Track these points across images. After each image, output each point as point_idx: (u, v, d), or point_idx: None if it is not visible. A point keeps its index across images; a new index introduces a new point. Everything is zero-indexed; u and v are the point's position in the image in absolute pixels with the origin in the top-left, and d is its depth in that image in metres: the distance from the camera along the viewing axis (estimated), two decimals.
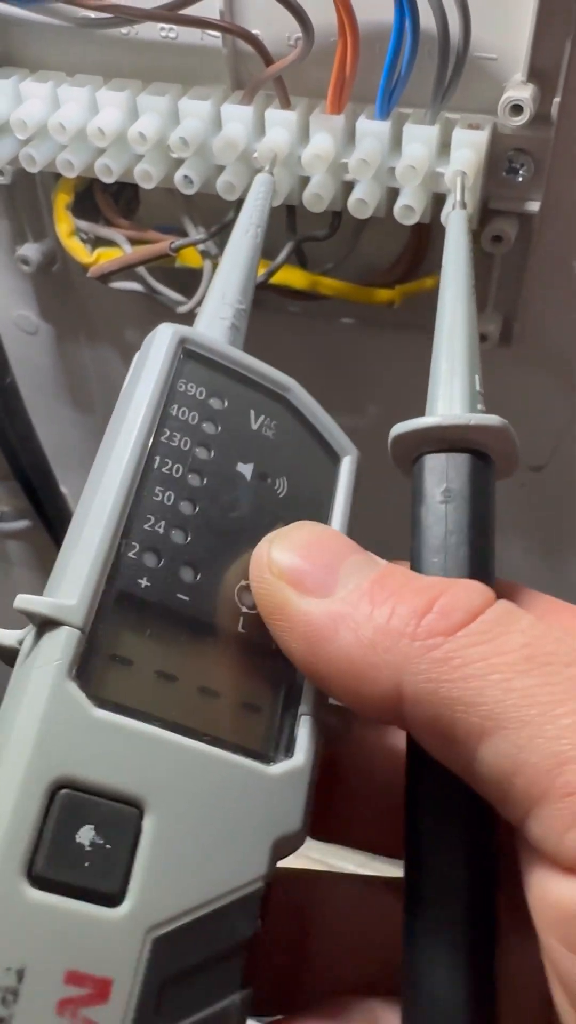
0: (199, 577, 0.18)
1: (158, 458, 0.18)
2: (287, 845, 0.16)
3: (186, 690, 0.17)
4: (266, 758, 0.17)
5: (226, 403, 0.20)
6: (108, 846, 0.15)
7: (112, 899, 0.14)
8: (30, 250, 0.40)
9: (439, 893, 0.16)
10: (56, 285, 0.43)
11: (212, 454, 0.19)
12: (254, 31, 0.30)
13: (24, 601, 0.16)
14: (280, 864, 0.16)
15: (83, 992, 0.14)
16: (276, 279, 0.34)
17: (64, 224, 0.36)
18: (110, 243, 0.36)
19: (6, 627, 0.58)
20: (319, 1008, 0.17)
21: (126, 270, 0.36)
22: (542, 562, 0.45)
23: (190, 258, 0.35)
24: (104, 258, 0.36)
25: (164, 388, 0.19)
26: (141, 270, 0.36)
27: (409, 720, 0.15)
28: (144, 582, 0.17)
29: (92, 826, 0.15)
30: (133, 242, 0.36)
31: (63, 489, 0.53)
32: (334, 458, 0.21)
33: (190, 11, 0.29)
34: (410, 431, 0.20)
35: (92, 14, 0.30)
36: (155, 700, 0.16)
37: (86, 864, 0.14)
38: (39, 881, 0.14)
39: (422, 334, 0.35)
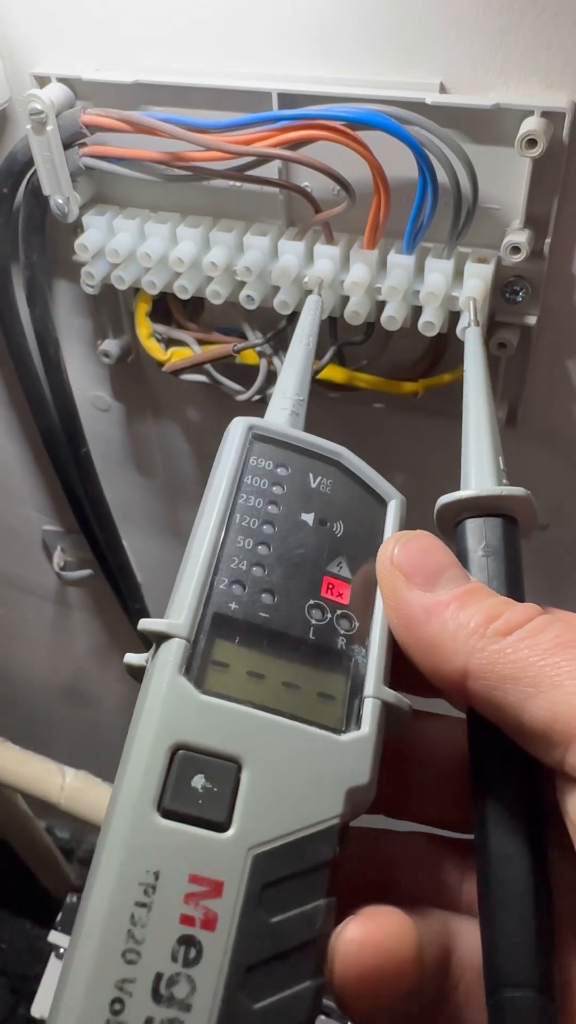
0: (276, 599, 0.23)
1: (238, 515, 0.23)
2: (360, 794, 0.21)
3: (272, 685, 0.21)
4: (338, 731, 0.21)
5: (289, 470, 0.25)
6: (215, 789, 0.20)
7: (220, 826, 0.19)
8: (110, 345, 0.48)
9: (501, 817, 0.21)
10: (129, 372, 0.50)
11: (280, 509, 0.24)
12: (304, 184, 0.37)
13: (145, 623, 0.22)
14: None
15: (203, 889, 0.19)
16: (321, 375, 0.41)
17: (144, 328, 0.43)
18: (180, 343, 0.44)
19: (64, 664, 0.65)
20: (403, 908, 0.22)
21: (195, 366, 0.43)
22: (548, 600, 0.51)
23: (249, 357, 0.42)
24: (177, 356, 0.43)
25: (239, 464, 0.24)
26: (207, 365, 0.43)
27: (471, 691, 0.20)
28: (233, 605, 0.22)
29: (203, 775, 0.20)
30: (200, 342, 0.43)
31: (124, 543, 0.60)
32: (382, 503, 0.26)
33: (254, 172, 0.36)
34: (454, 500, 0.25)
35: (176, 171, 0.37)
36: (248, 692, 0.21)
37: (199, 801, 0.20)
38: (167, 813, 0.19)
39: (440, 418, 0.43)
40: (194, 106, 0.37)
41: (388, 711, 0.22)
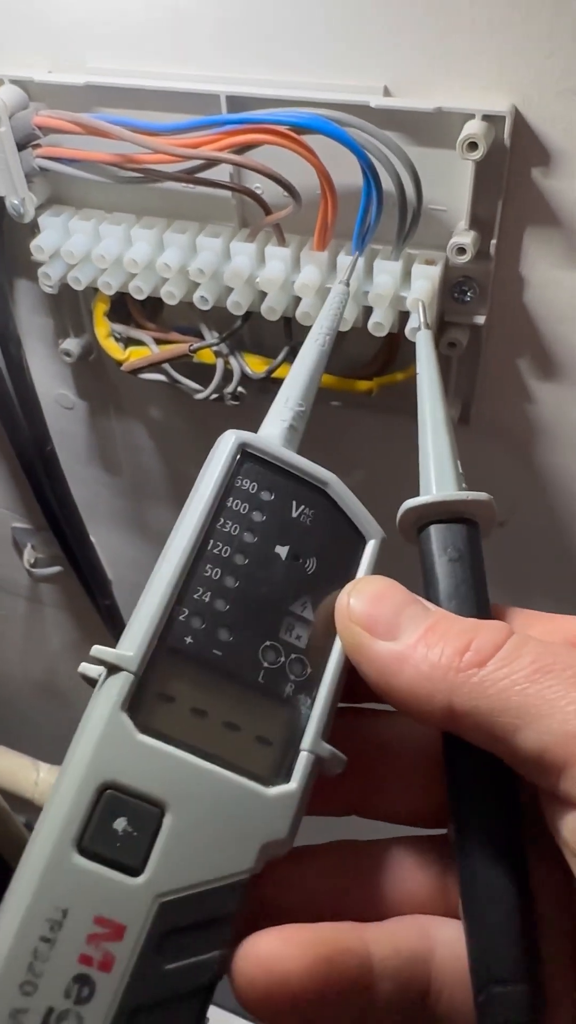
0: (233, 637, 0.22)
1: (212, 541, 0.23)
2: (274, 848, 0.21)
3: (213, 723, 0.21)
4: (267, 781, 0.21)
5: (273, 495, 0.24)
6: (135, 833, 0.20)
7: (134, 871, 0.20)
8: (71, 344, 0.48)
9: (483, 824, 0.22)
10: (91, 370, 0.50)
11: (256, 538, 0.23)
12: (255, 186, 0.38)
13: (96, 651, 0.21)
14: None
15: (105, 931, 0.19)
16: (277, 374, 0.41)
17: (102, 328, 0.44)
18: (139, 342, 0.44)
19: (38, 659, 0.65)
20: (379, 923, 0.22)
21: (153, 366, 0.43)
22: (508, 596, 0.52)
23: (206, 356, 0.42)
24: (135, 356, 0.44)
25: (223, 484, 0.23)
26: (165, 364, 0.44)
27: (461, 727, 0.20)
28: (189, 639, 0.22)
29: (125, 818, 0.20)
30: (158, 342, 0.44)
31: (92, 538, 0.61)
32: (361, 540, 0.25)
33: (206, 174, 0.37)
34: (418, 506, 0.24)
35: (129, 173, 0.38)
36: (188, 730, 0.21)
37: (118, 844, 0.20)
38: (84, 851, 0.20)
39: (394, 415, 0.43)
40: (145, 108, 0.37)
41: (321, 764, 0.22)
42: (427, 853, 0.24)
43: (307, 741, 0.22)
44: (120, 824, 0.20)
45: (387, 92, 0.34)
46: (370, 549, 0.25)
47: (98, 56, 0.38)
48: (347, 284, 0.30)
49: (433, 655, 0.21)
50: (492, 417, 0.43)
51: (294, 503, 0.24)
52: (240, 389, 0.43)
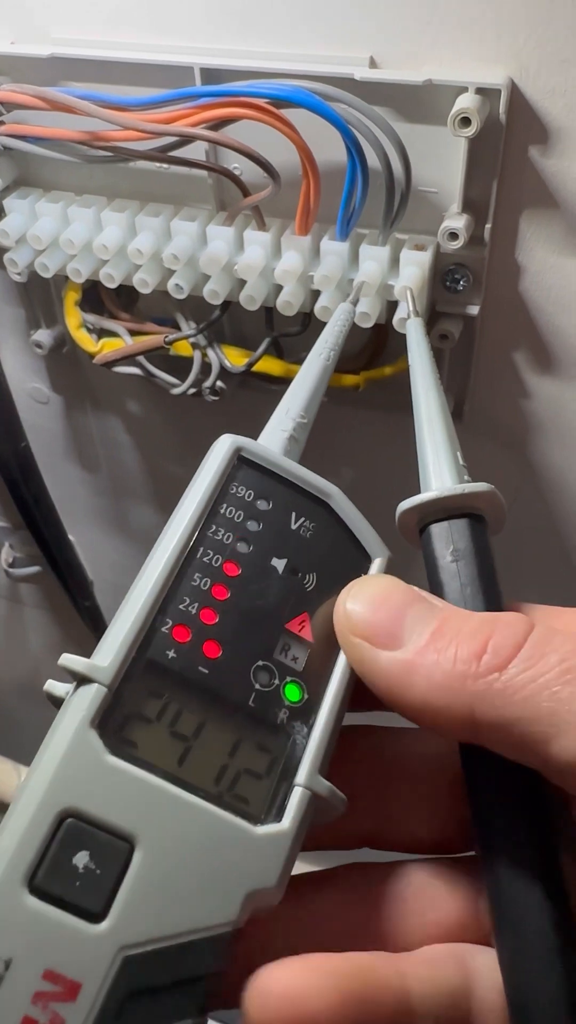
0: (221, 654, 0.20)
1: (201, 548, 0.21)
2: (261, 898, 0.18)
3: (195, 751, 0.19)
4: (255, 819, 0.19)
5: (271, 505, 0.22)
6: (98, 871, 0.17)
7: (94, 916, 0.17)
8: (43, 335, 0.45)
9: (512, 840, 0.20)
10: (65, 363, 0.48)
11: (251, 548, 0.21)
12: (233, 166, 0.35)
13: (66, 659, 0.19)
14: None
15: (56, 989, 0.16)
16: (257, 368, 0.39)
17: (73, 319, 0.41)
18: (112, 333, 0.42)
19: (20, 662, 0.63)
20: (413, 952, 0.20)
21: (127, 358, 0.41)
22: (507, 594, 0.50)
23: (182, 348, 0.40)
24: (108, 348, 0.41)
25: (215, 490, 0.22)
26: (140, 357, 0.41)
27: (485, 738, 0.18)
28: (171, 653, 0.20)
29: (88, 852, 0.17)
30: (133, 333, 0.41)
31: (71, 538, 0.58)
32: (365, 559, 0.23)
33: (180, 152, 0.34)
34: (415, 506, 0.23)
35: (98, 152, 0.35)
36: (166, 756, 0.19)
37: (77, 884, 0.17)
38: (36, 891, 0.17)
39: (382, 411, 0.41)
40: (115, 82, 0.35)
41: (317, 803, 0.20)
42: (454, 874, 0.22)
43: (302, 775, 0.20)
44: (81, 859, 0.17)
45: (373, 63, 0.32)
46: (375, 568, 0.23)
47: (64, 26, 0.35)
48: (354, 303, 0.29)
49: (445, 661, 0.19)
50: (487, 413, 0.41)
51: (293, 515, 0.23)
52: (219, 383, 0.40)
